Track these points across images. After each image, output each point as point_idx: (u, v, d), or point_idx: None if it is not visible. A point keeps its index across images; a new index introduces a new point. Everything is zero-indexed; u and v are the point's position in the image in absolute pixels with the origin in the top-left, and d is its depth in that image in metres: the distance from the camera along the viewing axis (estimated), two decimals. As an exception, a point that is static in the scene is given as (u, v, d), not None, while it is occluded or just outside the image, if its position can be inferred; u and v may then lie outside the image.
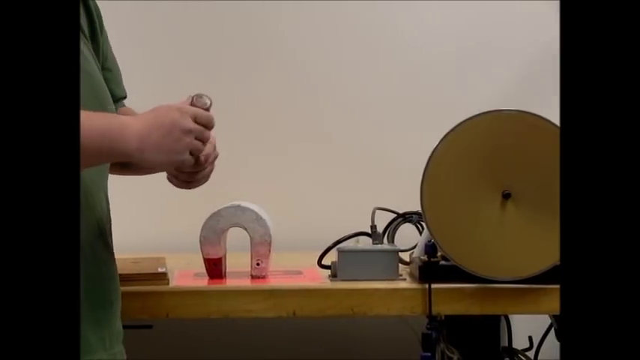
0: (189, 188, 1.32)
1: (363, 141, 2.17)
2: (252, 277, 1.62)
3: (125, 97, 1.45)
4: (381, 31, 2.20)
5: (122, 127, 1.15)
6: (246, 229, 1.61)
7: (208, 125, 1.23)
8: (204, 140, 1.22)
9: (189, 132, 1.19)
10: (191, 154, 1.21)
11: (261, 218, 1.60)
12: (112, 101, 1.32)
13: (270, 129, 2.14)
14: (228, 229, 1.61)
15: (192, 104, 1.23)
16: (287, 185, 2.16)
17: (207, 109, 1.24)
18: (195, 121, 1.20)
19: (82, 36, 1.26)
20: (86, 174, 1.21)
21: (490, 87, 2.20)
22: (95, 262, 1.24)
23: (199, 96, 1.24)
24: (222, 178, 2.09)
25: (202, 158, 1.24)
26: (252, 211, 1.60)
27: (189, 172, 1.27)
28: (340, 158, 2.18)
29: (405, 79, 2.19)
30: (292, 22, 2.17)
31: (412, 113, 2.19)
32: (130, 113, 1.37)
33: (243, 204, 1.61)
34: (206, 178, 1.31)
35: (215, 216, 1.59)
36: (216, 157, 1.30)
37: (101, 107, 1.24)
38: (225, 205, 1.61)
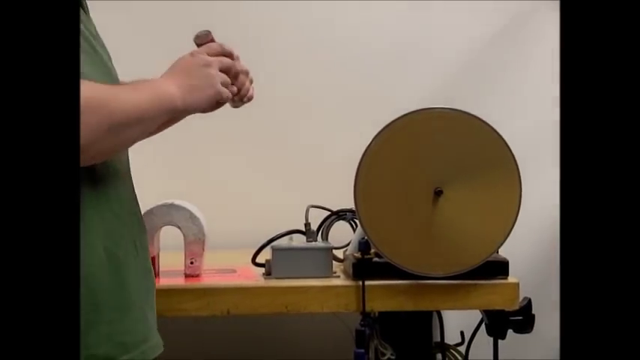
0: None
1: (296, 139, 2.18)
2: (186, 275, 1.61)
3: None
4: (315, 29, 2.21)
5: (161, 86, 1.19)
6: (179, 227, 1.60)
7: (224, 52, 1.28)
8: (226, 68, 1.27)
9: (209, 64, 1.24)
10: (225, 85, 1.26)
11: (194, 217, 1.60)
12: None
13: (203, 127, 2.13)
14: (161, 227, 1.60)
15: (198, 45, 1.29)
16: (221, 183, 2.15)
17: (212, 41, 1.29)
18: (209, 53, 1.26)
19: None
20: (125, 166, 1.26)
21: (422, 85, 2.22)
22: (144, 253, 1.27)
23: (198, 35, 1.29)
24: (155, 176, 2.10)
25: (235, 89, 1.29)
26: (186, 209, 1.60)
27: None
28: (274, 156, 2.18)
29: (338, 78, 2.20)
30: (228, 19, 2.16)
31: (346, 111, 2.20)
32: None
33: (177, 202, 1.60)
34: (250, 99, 1.35)
35: (148, 214, 1.58)
36: (251, 82, 1.34)
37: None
38: (159, 204, 1.60)
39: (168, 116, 1.22)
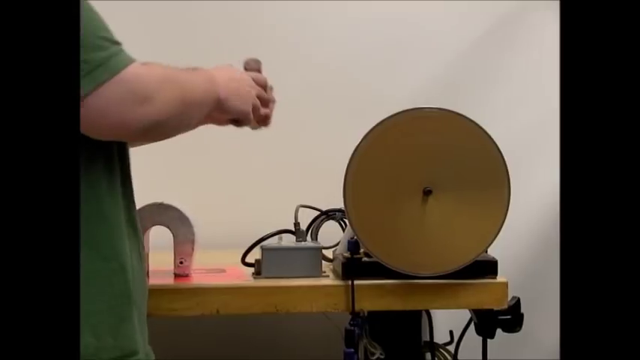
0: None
1: (286, 139, 2.17)
2: (176, 275, 1.61)
3: None
4: (305, 28, 2.21)
5: (212, 75, 1.26)
6: (169, 227, 1.60)
7: (265, 87, 1.39)
8: (262, 99, 1.37)
9: (253, 87, 1.35)
10: (253, 110, 1.35)
11: (184, 216, 1.59)
12: None
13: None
14: (150, 227, 1.60)
15: (246, 69, 1.39)
16: (210, 183, 2.15)
17: (259, 70, 1.40)
18: (255, 81, 1.36)
19: None
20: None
21: (412, 85, 2.22)
22: (142, 260, 1.29)
23: (249, 61, 1.41)
24: (145, 176, 2.09)
25: (262, 113, 1.39)
26: (176, 209, 1.59)
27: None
28: (264, 155, 2.18)
29: (327, 77, 2.20)
30: (217, 19, 2.16)
31: (335, 111, 2.20)
32: None
33: (166, 202, 1.60)
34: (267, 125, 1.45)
35: (138, 214, 1.58)
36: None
37: None
38: (148, 204, 1.59)
39: (213, 106, 1.26)
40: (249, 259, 1.65)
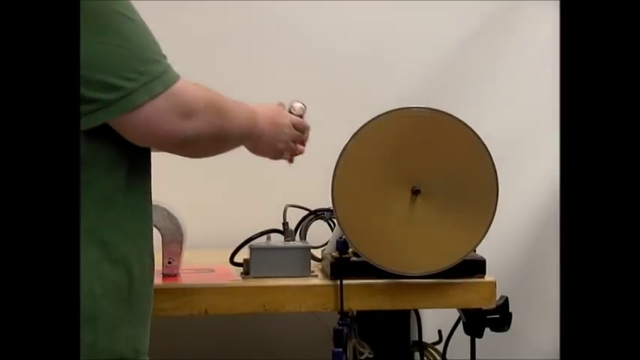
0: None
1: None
2: (164, 275, 1.61)
3: None
4: (293, 28, 2.20)
5: (254, 116, 1.34)
6: (157, 227, 1.59)
7: (304, 132, 1.49)
8: (297, 140, 1.47)
9: (291, 136, 1.45)
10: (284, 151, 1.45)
11: (172, 216, 1.59)
12: None
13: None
14: (139, 227, 1.59)
15: (289, 111, 1.48)
16: (199, 183, 2.14)
17: (302, 116, 1.49)
18: (295, 124, 1.46)
19: None
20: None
21: (400, 85, 2.22)
22: (154, 267, 1.30)
23: (296, 106, 1.50)
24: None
25: (298, 151, 1.50)
26: (164, 209, 1.59)
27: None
28: (252, 155, 2.18)
29: (315, 77, 2.20)
30: (204, 18, 2.16)
31: (323, 111, 2.19)
32: None
33: (154, 202, 1.59)
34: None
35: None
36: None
37: None
38: (136, 204, 1.59)
39: (246, 139, 1.35)
40: (238, 258, 1.65)
